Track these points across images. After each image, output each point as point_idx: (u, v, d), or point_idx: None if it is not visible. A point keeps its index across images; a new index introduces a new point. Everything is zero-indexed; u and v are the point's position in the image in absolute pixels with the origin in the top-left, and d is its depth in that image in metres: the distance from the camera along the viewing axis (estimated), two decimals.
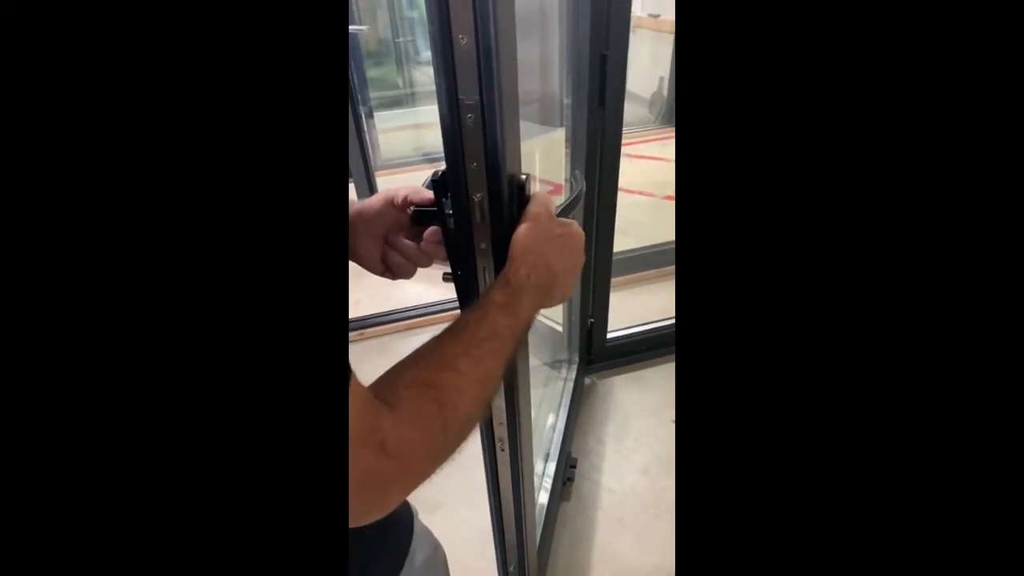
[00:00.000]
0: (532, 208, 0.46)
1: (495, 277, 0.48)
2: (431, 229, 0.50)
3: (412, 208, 0.50)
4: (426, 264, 0.52)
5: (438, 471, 0.36)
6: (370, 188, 2.07)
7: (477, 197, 0.43)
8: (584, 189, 0.52)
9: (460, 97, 0.40)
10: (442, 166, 0.44)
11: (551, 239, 0.45)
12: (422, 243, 0.51)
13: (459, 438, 0.37)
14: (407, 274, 0.53)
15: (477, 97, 0.40)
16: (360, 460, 0.29)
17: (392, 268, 0.52)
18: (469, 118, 0.41)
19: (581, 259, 0.49)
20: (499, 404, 0.58)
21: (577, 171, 0.69)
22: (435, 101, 0.42)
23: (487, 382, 0.40)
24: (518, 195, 0.45)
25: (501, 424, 0.60)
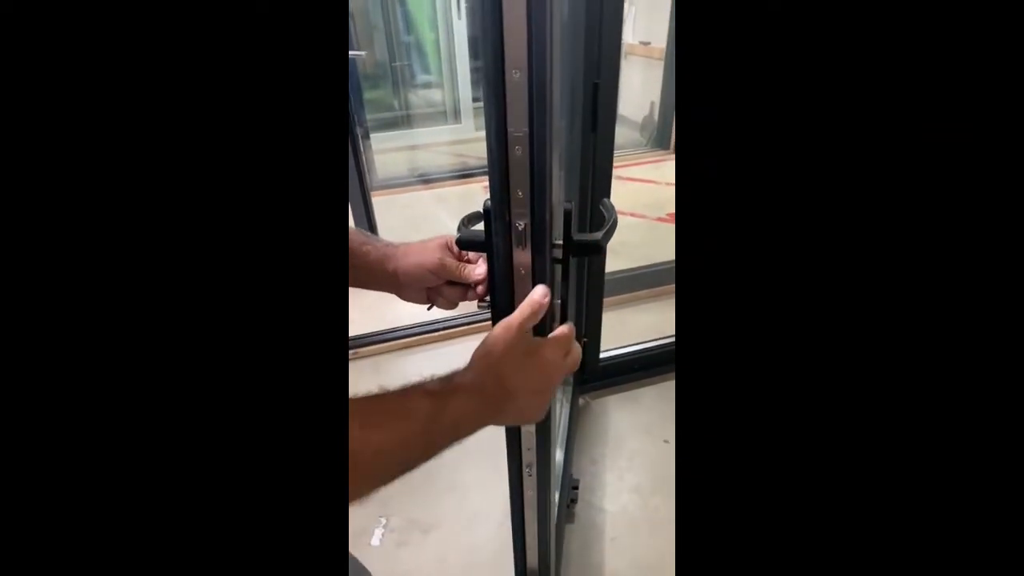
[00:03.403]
0: (513, 317, 0.44)
1: None
2: (479, 278, 0.57)
3: (456, 237, 0.53)
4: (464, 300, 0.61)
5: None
6: (366, 207, 2.07)
7: (520, 225, 0.44)
8: (617, 219, 0.54)
9: (509, 129, 0.41)
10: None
11: (515, 353, 0.42)
12: (470, 294, 0.59)
13: None
14: (448, 308, 0.62)
15: (526, 129, 0.41)
16: None
17: (436, 305, 0.62)
18: (517, 150, 0.42)
19: (547, 385, 0.44)
20: (529, 429, 0.58)
21: (606, 199, 0.70)
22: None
23: (373, 454, 0.35)
24: (564, 223, 0.46)
25: (530, 449, 0.60)
